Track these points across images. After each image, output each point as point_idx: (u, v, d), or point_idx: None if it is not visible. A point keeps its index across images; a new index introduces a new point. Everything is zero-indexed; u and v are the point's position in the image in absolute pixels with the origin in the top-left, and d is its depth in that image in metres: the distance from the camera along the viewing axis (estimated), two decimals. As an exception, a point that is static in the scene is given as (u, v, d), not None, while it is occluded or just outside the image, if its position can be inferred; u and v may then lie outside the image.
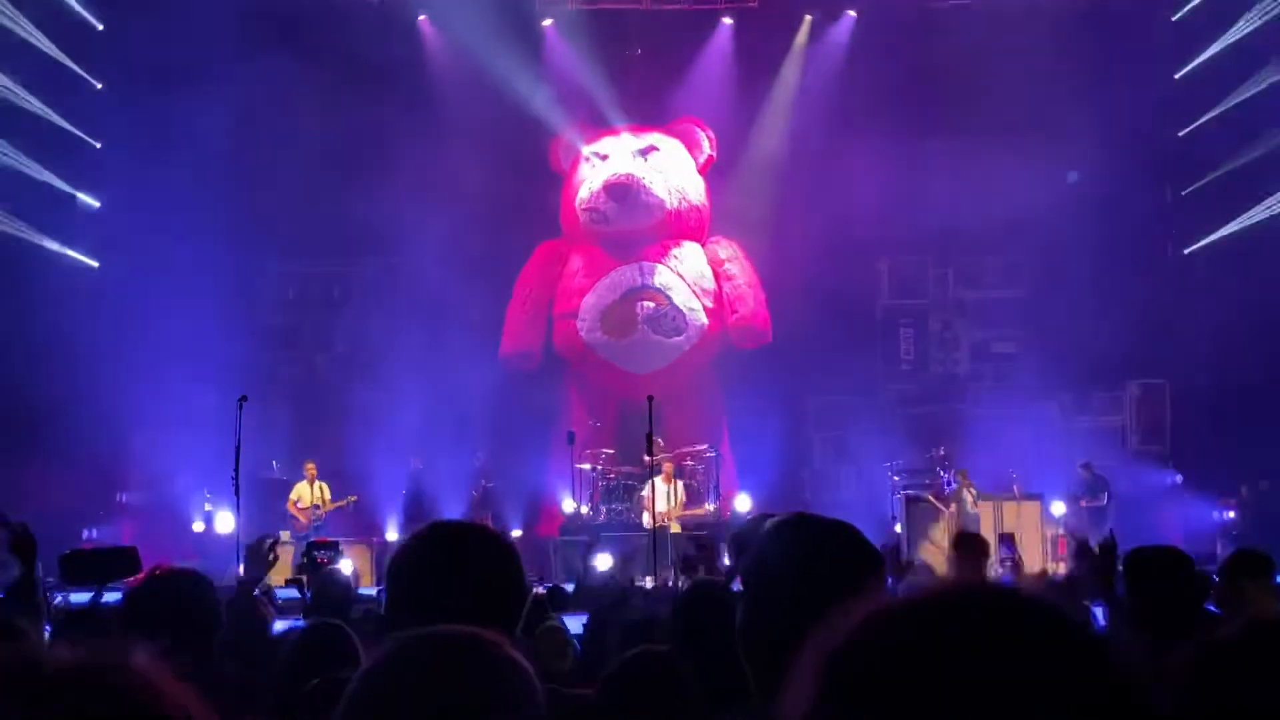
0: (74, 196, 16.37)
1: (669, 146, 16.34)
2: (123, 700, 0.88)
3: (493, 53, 15.61)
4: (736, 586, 3.34)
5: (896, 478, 15.16)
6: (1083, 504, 14.58)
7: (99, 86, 16.60)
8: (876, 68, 15.90)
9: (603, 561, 13.11)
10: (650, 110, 16.73)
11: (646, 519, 13.92)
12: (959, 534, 7.13)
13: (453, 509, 14.57)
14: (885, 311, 17.77)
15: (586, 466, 15.23)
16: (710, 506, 15.01)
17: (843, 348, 16.36)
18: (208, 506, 14.97)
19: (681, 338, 16.02)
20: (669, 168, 16.16)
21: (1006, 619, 0.80)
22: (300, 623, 5.07)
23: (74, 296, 15.18)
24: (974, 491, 14.29)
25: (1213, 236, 16.18)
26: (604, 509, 15.04)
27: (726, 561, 4.57)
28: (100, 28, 16.53)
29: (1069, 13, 15.98)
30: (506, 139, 15.88)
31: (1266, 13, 15.16)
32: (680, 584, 10.22)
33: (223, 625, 2.64)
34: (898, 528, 14.23)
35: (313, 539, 13.53)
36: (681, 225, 16.25)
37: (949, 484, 14.61)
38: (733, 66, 17.11)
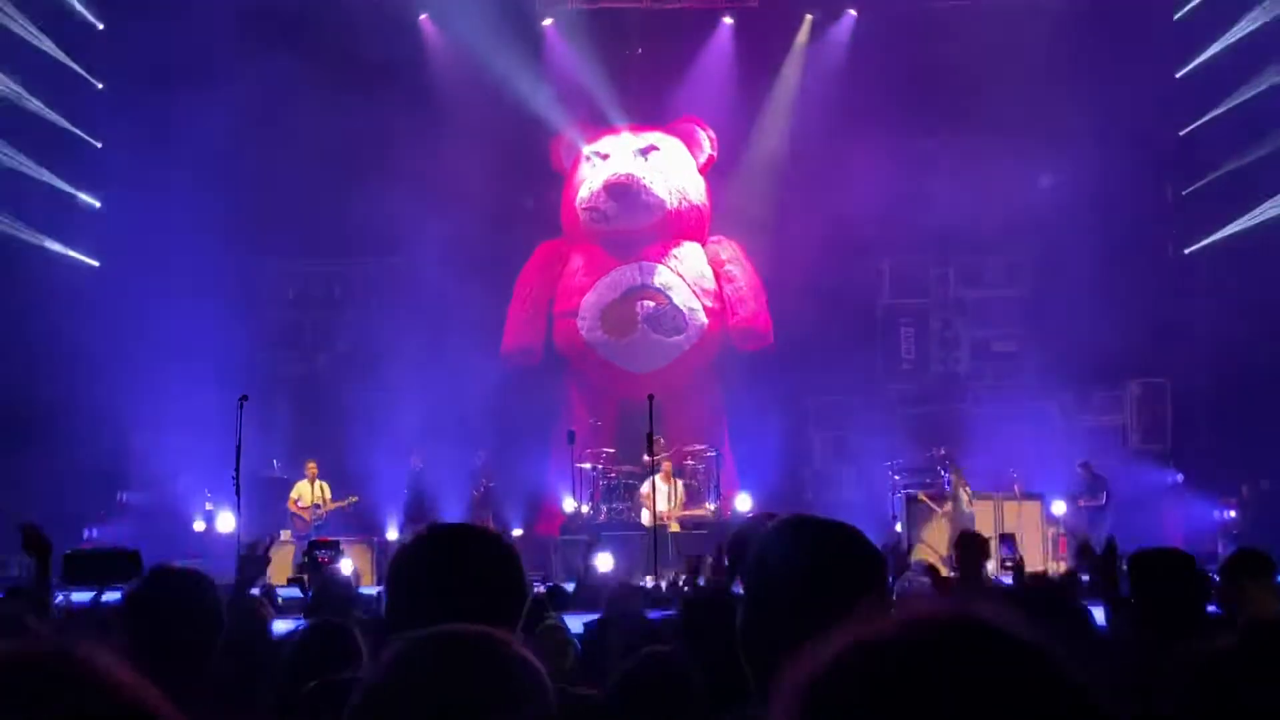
0: (74, 196, 16.37)
1: (669, 146, 16.34)
2: (71, 687, 0.87)
3: (493, 52, 15.61)
4: (736, 588, 3.34)
5: (897, 477, 15.16)
6: (1081, 504, 14.57)
7: (99, 86, 16.61)
8: (877, 67, 15.90)
9: (603, 561, 13.11)
10: (651, 110, 16.73)
11: (646, 518, 13.93)
12: (961, 534, 7.12)
13: (453, 508, 14.58)
14: (886, 311, 17.77)
15: (587, 466, 15.23)
16: (710, 506, 15.01)
17: (843, 347, 16.36)
18: (209, 506, 14.97)
19: (681, 337, 16.02)
20: (669, 167, 16.15)
21: (982, 656, 0.80)
22: (302, 622, 5.07)
23: (75, 296, 15.18)
24: (968, 490, 14.29)
25: (1214, 237, 16.18)
26: (604, 508, 15.05)
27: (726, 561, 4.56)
28: (101, 27, 16.54)
29: (1069, 12, 15.97)
30: (507, 138, 15.88)
31: (1268, 12, 15.15)
32: (681, 583, 10.22)
33: (224, 625, 2.63)
34: (898, 527, 14.23)
35: (313, 538, 13.53)
36: (682, 225, 16.25)
37: (950, 483, 14.61)
38: (733, 66, 17.11)
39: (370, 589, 10.41)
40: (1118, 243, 15.88)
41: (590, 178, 16.16)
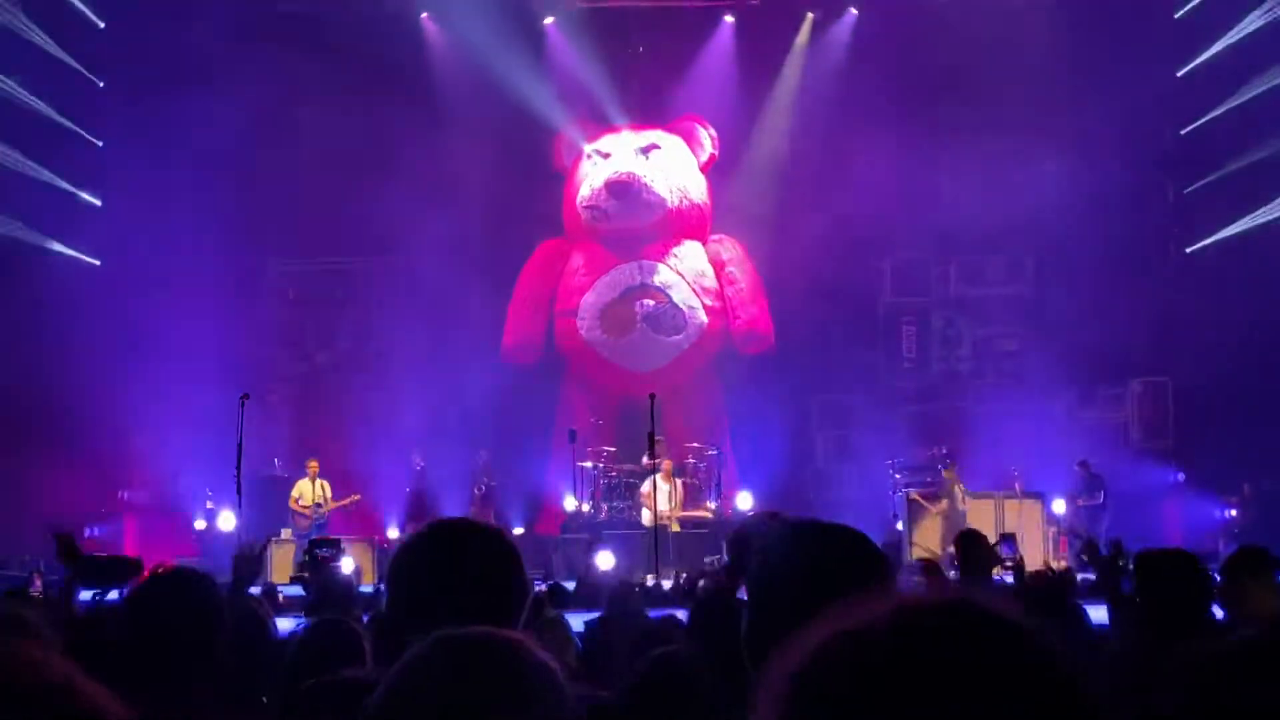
0: (75, 195, 16.37)
1: (671, 144, 16.33)
2: (19, 692, 0.87)
3: (495, 51, 15.61)
4: (742, 591, 3.34)
5: (898, 476, 15.16)
6: (1079, 503, 14.57)
7: (100, 85, 16.60)
8: (878, 65, 15.90)
9: (604, 560, 13.12)
10: (652, 108, 16.73)
11: (647, 517, 13.93)
12: (961, 533, 7.12)
13: (454, 507, 14.58)
14: (887, 309, 17.76)
15: (588, 465, 15.23)
16: (712, 505, 15.02)
17: (845, 345, 16.36)
18: (210, 505, 14.97)
19: (681, 336, 16.02)
20: (671, 166, 16.15)
21: (971, 641, 0.79)
22: (303, 620, 5.08)
23: (76, 295, 15.18)
24: (962, 488, 14.30)
25: (1216, 236, 16.17)
26: (605, 507, 15.06)
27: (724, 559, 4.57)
28: (101, 26, 16.54)
29: (1070, 10, 15.96)
30: (508, 137, 15.88)
31: (1270, 12, 15.14)
32: (683, 582, 10.22)
33: (226, 625, 2.64)
34: (899, 526, 14.25)
35: (314, 537, 13.54)
36: (683, 223, 16.25)
37: (944, 482, 14.64)
38: (734, 64, 17.11)
39: (371, 587, 10.44)
40: (1119, 241, 15.88)
41: (591, 176, 16.16)
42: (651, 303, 15.96)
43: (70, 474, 14.80)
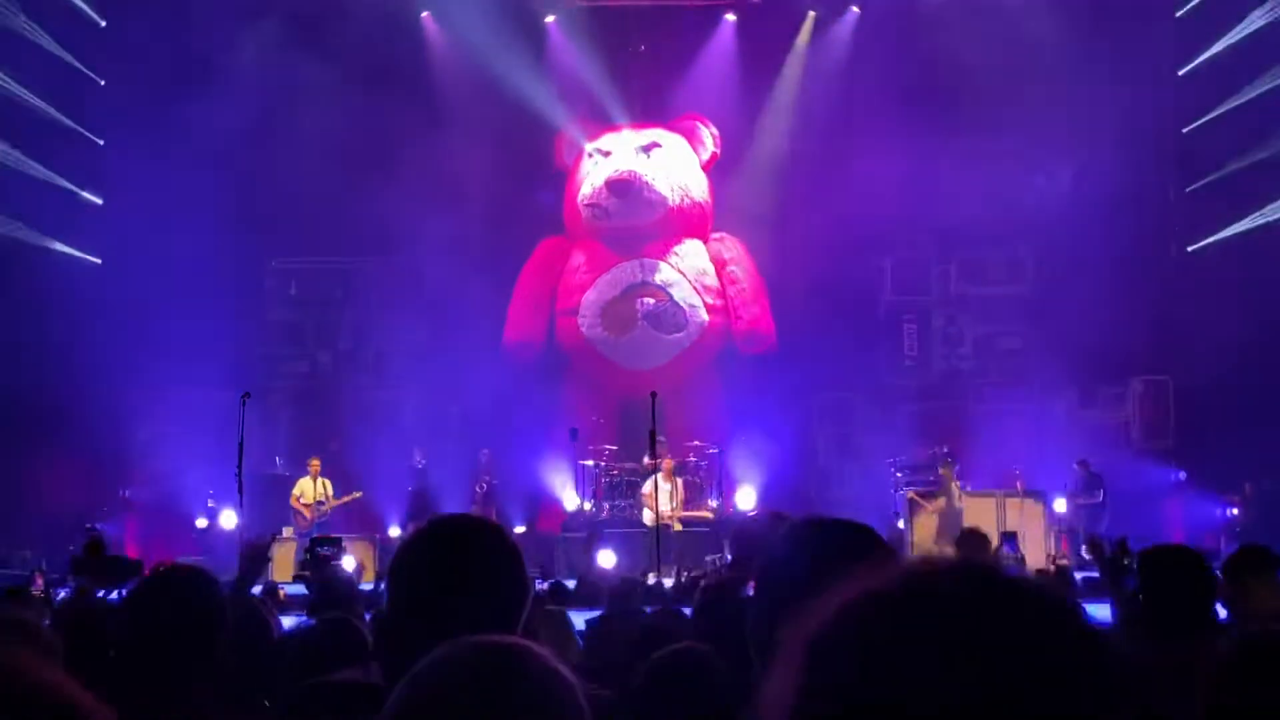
0: (76, 194, 16.38)
1: (672, 143, 16.33)
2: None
3: (495, 49, 15.61)
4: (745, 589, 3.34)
5: (900, 474, 15.16)
6: (1078, 502, 14.57)
7: (101, 83, 16.61)
8: (879, 64, 15.89)
9: (605, 558, 13.12)
10: (653, 106, 16.73)
11: (648, 516, 13.93)
12: (963, 531, 7.12)
13: (455, 506, 14.57)
14: (888, 307, 17.75)
15: (589, 463, 15.23)
16: (713, 504, 15.02)
17: (846, 344, 16.34)
18: (211, 503, 14.99)
19: (682, 334, 16.02)
20: (672, 164, 16.15)
21: (984, 598, 0.79)
22: (304, 619, 5.07)
23: (77, 294, 15.19)
24: (958, 487, 14.31)
25: (1218, 236, 16.16)
26: (606, 505, 15.06)
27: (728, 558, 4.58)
28: (103, 24, 16.54)
29: (1071, 9, 15.95)
30: (510, 136, 15.88)
31: (1272, 12, 15.13)
32: (684, 579, 10.22)
33: (227, 624, 2.63)
34: (900, 524, 14.25)
35: (315, 535, 13.55)
36: (684, 222, 16.24)
37: (957, 480, 14.64)
38: (736, 63, 17.10)
39: (372, 585, 10.44)
40: (1121, 240, 15.86)
41: (592, 175, 16.16)
42: (652, 301, 15.96)
43: (72, 473, 14.82)
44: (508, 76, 15.66)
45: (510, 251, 16.56)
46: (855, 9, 17.11)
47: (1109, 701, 0.77)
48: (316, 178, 15.45)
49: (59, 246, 16.02)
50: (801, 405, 16.78)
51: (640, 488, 14.71)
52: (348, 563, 11.70)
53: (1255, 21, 15.40)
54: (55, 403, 14.73)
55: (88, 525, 13.67)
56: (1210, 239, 16.33)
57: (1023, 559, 11.42)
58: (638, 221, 15.89)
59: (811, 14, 17.32)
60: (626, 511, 14.89)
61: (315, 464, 14.84)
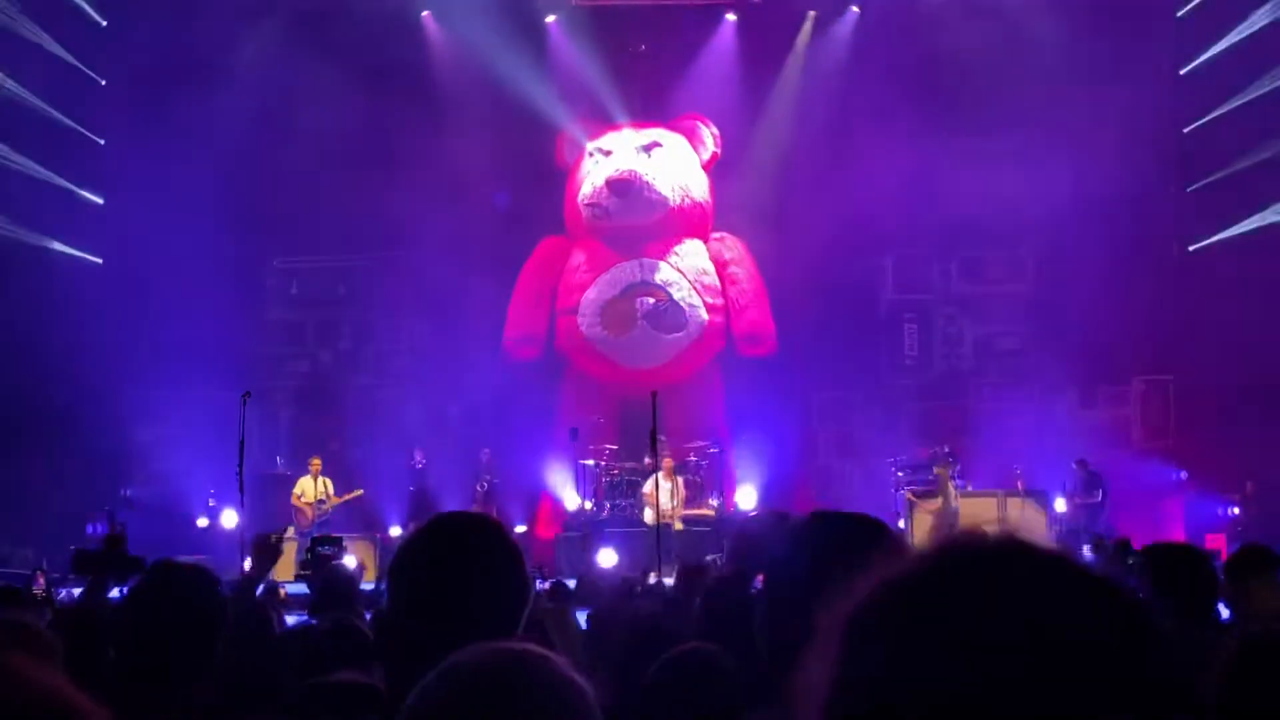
0: (77, 193, 16.38)
1: (672, 142, 16.33)
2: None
3: (496, 49, 15.61)
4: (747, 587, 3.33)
5: (900, 474, 15.16)
6: (1076, 501, 14.57)
7: (102, 83, 16.61)
8: (879, 64, 15.89)
9: (606, 558, 13.12)
10: (654, 106, 16.72)
11: (649, 516, 13.92)
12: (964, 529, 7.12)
13: (456, 505, 14.56)
14: (889, 306, 17.74)
15: (590, 463, 15.23)
16: (714, 503, 15.01)
17: (847, 343, 16.34)
18: (212, 502, 14.99)
19: (682, 334, 16.02)
20: (672, 164, 16.14)
21: (1024, 570, 0.78)
22: (306, 618, 5.08)
23: (78, 293, 15.20)
24: (954, 486, 14.31)
25: (1219, 236, 16.15)
26: (607, 505, 15.06)
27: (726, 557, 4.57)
28: (104, 24, 16.54)
29: (1072, 8, 15.95)
30: (511, 135, 15.88)
31: (1273, 12, 15.12)
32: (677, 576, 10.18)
33: (227, 621, 2.63)
34: (901, 524, 14.24)
35: (315, 534, 13.54)
36: (684, 221, 16.24)
37: (954, 479, 14.63)
38: (736, 63, 17.09)
39: (373, 585, 10.44)
40: (1122, 239, 15.85)
41: (593, 174, 16.16)
42: (652, 300, 15.96)
43: (73, 472, 14.83)
44: (508, 76, 15.66)
45: (511, 251, 16.56)
46: (855, 8, 17.11)
47: (1170, 685, 0.75)
48: (317, 177, 15.46)
49: (59, 246, 16.02)
50: (802, 404, 16.79)
51: (640, 487, 14.71)
52: (349, 562, 11.69)
53: (1256, 22, 15.39)
54: (56, 402, 14.74)
55: (111, 515, 13.68)
56: (1211, 239, 16.32)
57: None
58: (638, 221, 15.89)
59: (811, 13, 17.32)
60: (627, 511, 14.89)
61: (316, 463, 14.84)
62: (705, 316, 16.07)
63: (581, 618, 5.84)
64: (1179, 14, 16.47)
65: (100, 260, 16.49)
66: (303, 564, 12.64)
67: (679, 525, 14.22)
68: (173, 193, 15.14)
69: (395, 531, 15.00)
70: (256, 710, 2.89)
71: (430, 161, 15.49)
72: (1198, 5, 16.15)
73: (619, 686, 2.85)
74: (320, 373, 17.58)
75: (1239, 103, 15.69)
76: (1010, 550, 0.79)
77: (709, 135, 16.37)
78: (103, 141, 16.67)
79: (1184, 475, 16.18)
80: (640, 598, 6.77)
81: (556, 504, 15.74)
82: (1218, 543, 13.83)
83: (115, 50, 16.33)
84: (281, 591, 9.16)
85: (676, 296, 16.01)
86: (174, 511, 15.20)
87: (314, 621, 4.72)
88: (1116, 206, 15.77)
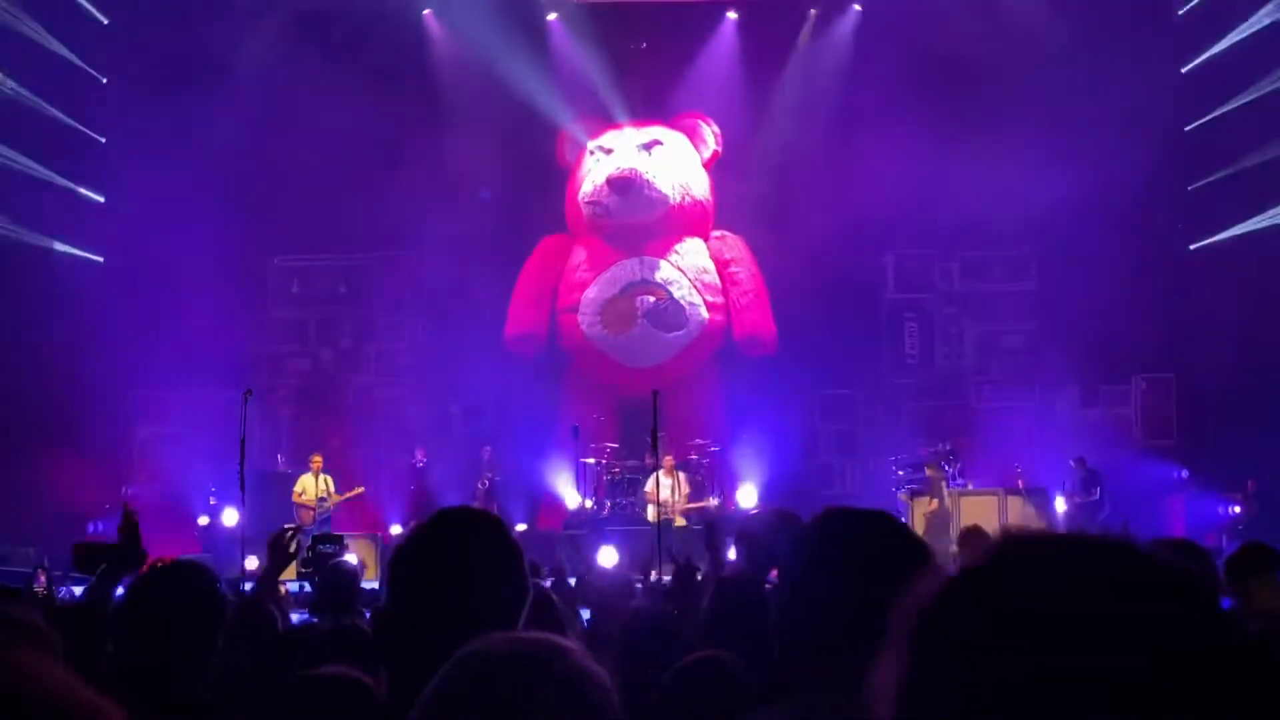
0: (78, 192, 16.39)
1: (673, 141, 16.32)
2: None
3: (498, 47, 15.61)
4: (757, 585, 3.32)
5: (901, 472, 15.15)
6: (1075, 500, 14.56)
7: (104, 81, 16.61)
8: (881, 61, 15.87)
9: (607, 556, 13.10)
10: (655, 104, 16.71)
11: (651, 513, 13.92)
12: (965, 529, 7.13)
13: (457, 503, 14.52)
14: (890, 305, 17.73)
15: (591, 461, 15.23)
16: (714, 500, 15.01)
17: (848, 341, 16.33)
18: (213, 501, 14.98)
19: (682, 332, 16.02)
20: (673, 162, 16.14)
21: (1104, 562, 0.77)
22: (307, 616, 5.08)
23: (79, 292, 15.20)
24: (946, 487, 14.31)
25: (1222, 235, 16.14)
26: (608, 503, 15.06)
27: (731, 555, 4.56)
28: (105, 22, 16.54)
29: (1074, 6, 15.94)
30: (511, 133, 15.87)
31: (1276, 10, 15.10)
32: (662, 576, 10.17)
33: (227, 618, 2.63)
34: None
35: (316, 533, 13.54)
36: (685, 220, 16.24)
37: (955, 478, 14.62)
38: (737, 61, 17.09)
39: (374, 583, 10.44)
40: (1123, 238, 15.84)
41: (594, 172, 16.16)
42: (652, 299, 15.95)
43: (74, 470, 14.82)
44: (510, 74, 15.66)
45: (512, 249, 16.56)
46: (857, 6, 17.10)
47: (1248, 679, 0.75)
48: (318, 175, 15.46)
49: (61, 245, 16.02)
50: (803, 403, 16.78)
51: (641, 485, 14.71)
52: (350, 560, 11.68)
53: (1259, 20, 15.38)
54: (58, 400, 14.75)
55: (126, 502, 13.66)
56: (1213, 237, 16.31)
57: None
58: (639, 219, 15.89)
59: (813, 11, 17.32)
60: (628, 509, 14.89)
61: (317, 460, 14.82)
62: (705, 315, 16.07)
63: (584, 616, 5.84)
64: (1181, 12, 16.46)
65: (101, 259, 16.49)
66: (304, 562, 12.64)
67: (680, 521, 14.21)
68: (174, 191, 15.15)
69: (396, 530, 14.99)
70: (258, 708, 2.89)
71: (431, 160, 15.49)
72: (1199, 3, 16.14)
73: (617, 684, 2.84)
74: (321, 371, 17.58)
75: (1241, 101, 15.68)
76: (1077, 544, 0.79)
77: (710, 133, 16.36)
78: (104, 140, 16.68)
79: (1185, 474, 16.17)
80: (640, 596, 6.77)
81: (557, 502, 15.73)
82: (1218, 541, 13.82)
83: (117, 48, 16.34)
84: (283, 589, 9.16)
85: (677, 295, 16.00)
86: (175, 509, 15.20)
87: (315, 620, 4.73)
88: (1118, 205, 15.76)
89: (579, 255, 16.42)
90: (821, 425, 17.28)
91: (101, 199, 16.69)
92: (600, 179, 15.98)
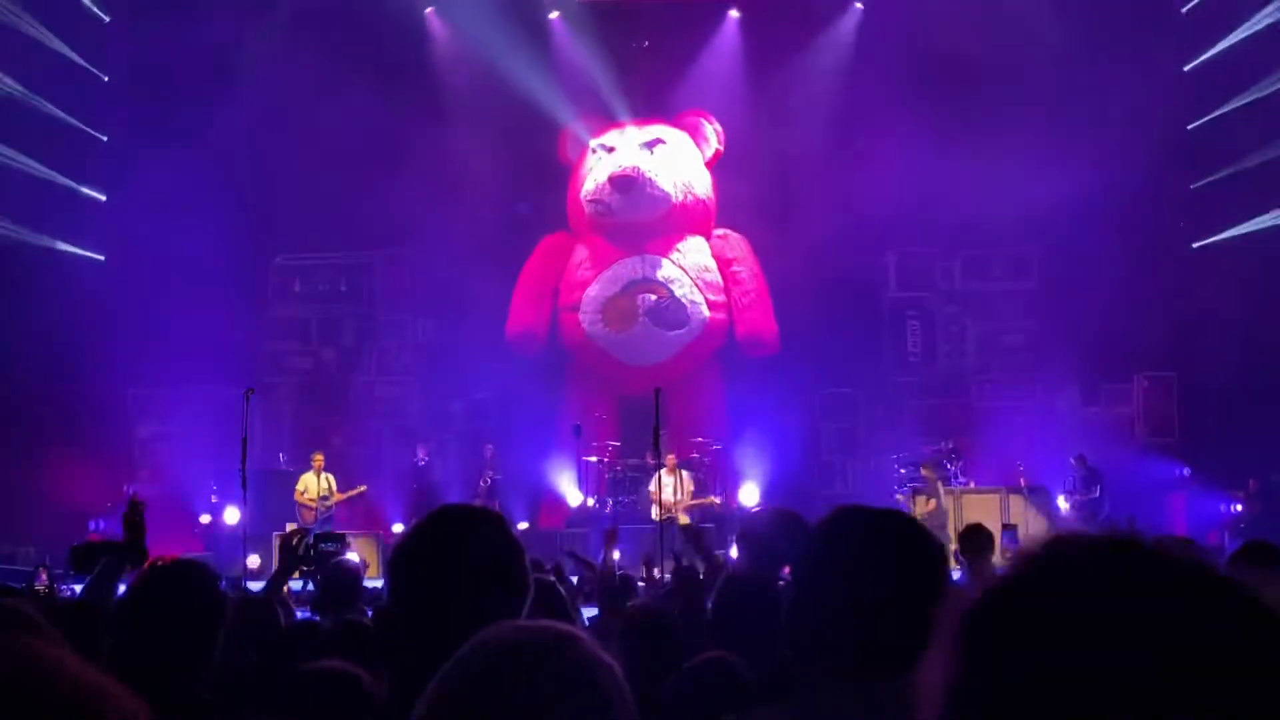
0: (79, 190, 16.39)
1: (675, 139, 16.31)
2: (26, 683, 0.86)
3: (500, 45, 15.60)
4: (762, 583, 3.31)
5: (903, 471, 15.14)
6: (1076, 497, 14.55)
7: (105, 80, 16.61)
8: (883, 60, 15.86)
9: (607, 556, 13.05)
10: (657, 103, 16.71)
11: (655, 512, 13.91)
12: (967, 527, 7.13)
13: (458, 501, 14.56)
14: (892, 303, 17.72)
15: (593, 459, 15.23)
16: (716, 499, 15.00)
17: (849, 340, 16.33)
18: (214, 499, 14.99)
19: (684, 330, 16.01)
20: (675, 161, 16.13)
21: (1147, 565, 0.78)
22: (307, 614, 5.08)
23: (80, 291, 15.20)
24: (942, 487, 14.30)
25: (1223, 234, 16.13)
26: (610, 501, 15.05)
27: (734, 554, 4.56)
28: (106, 20, 16.54)
29: (1077, 5, 15.92)
30: (514, 131, 15.87)
31: (1278, 12, 15.09)
32: (659, 573, 10.16)
33: (227, 617, 2.63)
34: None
35: (318, 531, 13.53)
36: (687, 218, 16.23)
37: (956, 476, 14.60)
38: (740, 59, 17.08)
39: (376, 581, 10.43)
40: (1125, 236, 15.81)
41: (596, 170, 16.15)
42: (654, 297, 15.95)
43: (76, 469, 14.83)
44: (512, 72, 15.66)
45: (513, 247, 16.56)
46: (859, 4, 17.09)
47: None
48: (320, 174, 15.47)
49: (62, 244, 16.03)
50: (805, 401, 16.77)
51: (642, 484, 14.71)
52: (352, 558, 11.68)
53: (1262, 19, 15.35)
54: (59, 399, 14.75)
55: (133, 495, 13.66)
56: (1215, 236, 16.30)
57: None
58: (640, 217, 15.88)
59: (815, 10, 17.29)
60: (630, 507, 14.88)
61: (319, 458, 14.82)
62: (707, 314, 16.06)
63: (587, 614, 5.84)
64: (1183, 10, 16.44)
65: (102, 257, 16.50)
66: (305, 560, 12.63)
67: (684, 519, 14.19)
68: (175, 190, 15.14)
69: (398, 528, 14.99)
70: (259, 705, 2.89)
71: (433, 158, 15.49)
72: (1201, 2, 16.12)
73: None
74: (323, 369, 17.58)
75: (1243, 100, 15.66)
76: (1122, 546, 0.79)
77: (712, 132, 16.35)
78: (105, 138, 16.68)
79: (1187, 472, 16.16)
80: (641, 594, 6.76)
81: (559, 500, 15.73)
82: (1220, 539, 13.82)
83: (118, 47, 16.34)
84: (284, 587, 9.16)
85: (678, 293, 16.00)
86: (177, 508, 15.20)
87: (317, 618, 4.73)
88: (1120, 203, 15.74)
89: (581, 253, 16.42)
90: (823, 424, 17.27)
91: (103, 197, 16.69)
92: (602, 177, 15.97)
